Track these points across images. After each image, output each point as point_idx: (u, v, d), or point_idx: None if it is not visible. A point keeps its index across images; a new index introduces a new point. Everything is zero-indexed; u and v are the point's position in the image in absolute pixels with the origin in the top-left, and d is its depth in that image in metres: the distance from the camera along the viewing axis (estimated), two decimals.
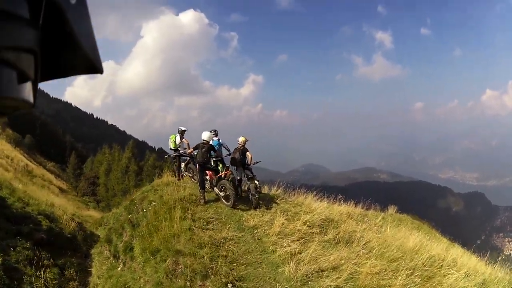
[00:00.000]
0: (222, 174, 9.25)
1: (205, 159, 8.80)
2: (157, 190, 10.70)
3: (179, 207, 7.95)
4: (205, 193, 9.13)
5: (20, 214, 9.72)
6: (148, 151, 51.93)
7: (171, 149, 11.73)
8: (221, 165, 10.58)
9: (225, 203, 8.68)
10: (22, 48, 0.42)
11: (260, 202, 9.12)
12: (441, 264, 6.98)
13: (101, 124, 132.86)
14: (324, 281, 5.78)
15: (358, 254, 6.81)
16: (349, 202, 12.00)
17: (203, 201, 8.77)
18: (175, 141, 11.54)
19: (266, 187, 11.10)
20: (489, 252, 10.64)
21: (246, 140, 9.53)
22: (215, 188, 9.00)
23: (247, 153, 9.26)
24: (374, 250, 7.04)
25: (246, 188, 9.65)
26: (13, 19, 0.40)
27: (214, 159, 10.34)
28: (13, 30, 0.40)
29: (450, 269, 6.73)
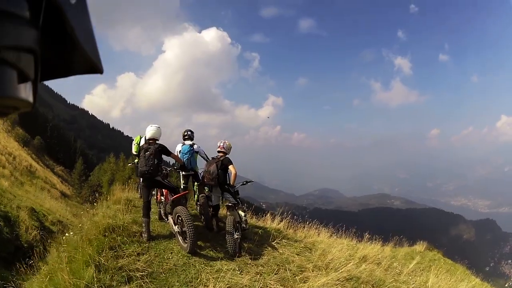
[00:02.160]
0: (176, 196, 5.96)
1: (151, 168, 5.66)
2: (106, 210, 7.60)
3: (94, 244, 5.00)
4: (151, 223, 6.31)
5: None
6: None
7: (134, 154, 8.73)
8: (195, 184, 7.72)
9: (181, 244, 5.54)
10: (22, 48, 0.42)
11: (245, 244, 6.27)
12: None
13: (117, 134, 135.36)
14: None
15: None
16: (371, 237, 10.74)
17: (145, 236, 5.71)
18: (139, 144, 8.36)
19: (268, 217, 8.94)
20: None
21: (229, 147, 6.76)
22: (169, 217, 6.02)
23: (230, 167, 6.35)
24: None
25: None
26: (13, 19, 0.40)
27: (182, 172, 7.45)
28: (13, 30, 0.40)
29: None
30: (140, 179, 7.07)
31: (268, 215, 9.13)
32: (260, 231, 7.27)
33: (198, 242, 5.81)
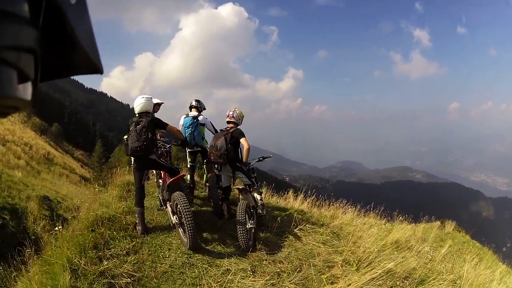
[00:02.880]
0: (172, 180, 4.90)
1: (144, 144, 4.73)
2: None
3: (76, 242, 4.26)
4: (150, 211, 5.71)
5: None
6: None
7: None
8: (204, 162, 6.65)
9: (182, 237, 4.67)
10: (22, 48, 0.41)
11: (261, 234, 5.39)
12: None
13: None
14: None
15: None
16: (398, 214, 10.42)
17: (140, 229, 4.88)
18: None
19: (290, 194, 8.16)
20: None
21: (240, 116, 5.66)
22: (168, 205, 5.03)
23: (242, 140, 5.35)
24: None
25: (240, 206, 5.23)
26: (13, 19, 0.40)
27: (188, 149, 6.46)
28: (13, 30, 0.40)
29: None
30: (131, 159, 5.84)
31: (290, 192, 8.37)
32: (280, 214, 6.24)
33: (204, 234, 5.08)
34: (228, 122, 5.68)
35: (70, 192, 16.52)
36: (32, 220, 8.70)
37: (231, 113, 5.66)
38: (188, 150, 6.48)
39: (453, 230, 14.44)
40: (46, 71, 0.47)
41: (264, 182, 8.82)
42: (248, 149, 5.35)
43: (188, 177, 6.70)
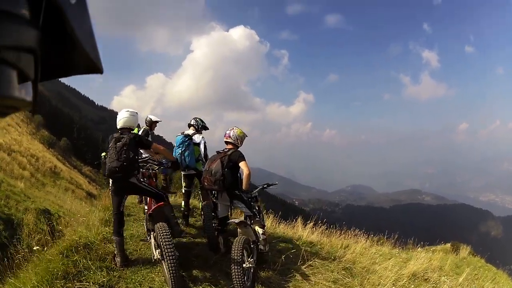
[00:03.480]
0: (155, 208, 4.42)
1: (123, 164, 4.09)
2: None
3: (44, 269, 3.80)
4: (134, 240, 5.15)
5: None
6: None
7: None
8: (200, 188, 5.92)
9: (166, 275, 3.94)
10: (22, 47, 0.42)
11: (262, 273, 4.76)
12: None
13: None
14: None
15: None
16: (408, 237, 10.03)
17: (118, 261, 4.27)
18: None
19: (299, 223, 7.58)
20: None
21: (240, 137, 4.86)
22: (152, 236, 4.39)
23: (241, 164, 4.57)
24: None
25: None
26: (13, 19, 0.40)
27: (183, 172, 5.94)
28: (13, 30, 0.40)
29: None
30: (109, 181, 5.01)
31: (299, 221, 7.72)
32: (286, 248, 5.59)
33: (194, 271, 4.42)
34: (226, 143, 4.88)
35: (74, 207, 16.43)
36: (27, 232, 8.01)
37: (228, 132, 4.88)
38: (183, 173, 5.96)
39: (468, 254, 14.01)
40: (46, 71, 0.47)
41: (270, 210, 8.39)
42: (249, 175, 4.53)
43: (183, 203, 6.17)
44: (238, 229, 4.66)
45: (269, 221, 7.61)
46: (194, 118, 6.11)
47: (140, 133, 6.68)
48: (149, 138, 6.62)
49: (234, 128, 4.89)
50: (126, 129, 4.44)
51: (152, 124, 7.24)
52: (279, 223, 8.05)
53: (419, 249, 10.23)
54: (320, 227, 7.57)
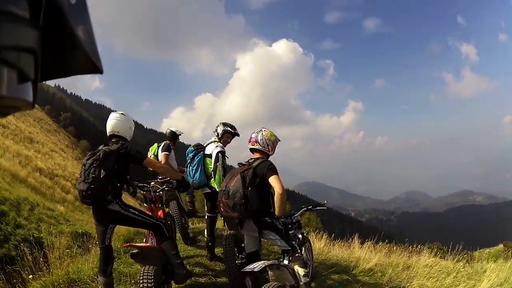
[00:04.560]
0: (143, 247, 3.51)
1: (90, 188, 3.13)
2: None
3: None
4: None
5: None
6: None
7: (150, 169, 5.34)
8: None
9: None
10: (22, 48, 0.42)
11: None
12: None
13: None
14: None
15: None
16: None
17: None
18: (156, 155, 5.95)
19: (355, 242, 6.74)
20: None
21: (270, 141, 3.60)
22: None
23: (271, 179, 3.32)
24: None
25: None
26: (13, 19, 0.40)
27: (202, 192, 4.96)
28: (13, 30, 0.40)
29: None
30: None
31: (356, 240, 6.82)
32: (339, 280, 4.68)
33: None
34: (252, 151, 3.58)
35: (118, 231, 16.48)
36: (58, 256, 8.48)
37: (255, 136, 3.56)
38: (203, 192, 4.90)
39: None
40: (46, 71, 0.47)
41: (326, 224, 7.49)
42: (282, 195, 3.24)
43: (206, 231, 4.98)
44: (269, 272, 3.31)
45: (322, 243, 6.75)
46: (222, 124, 4.93)
47: (160, 147, 5.87)
48: (170, 153, 5.72)
49: (263, 129, 3.58)
50: (116, 137, 3.51)
51: (175, 137, 6.15)
52: (334, 241, 7.33)
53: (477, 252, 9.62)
54: (379, 244, 6.93)
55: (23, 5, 0.41)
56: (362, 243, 6.82)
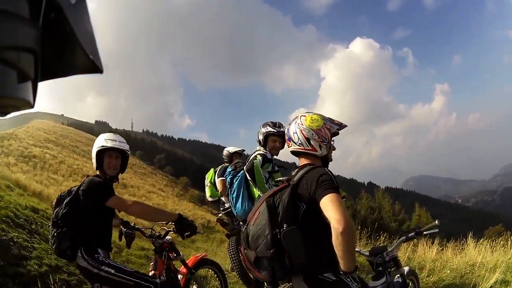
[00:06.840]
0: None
1: (54, 235, 2.48)
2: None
3: None
4: None
5: None
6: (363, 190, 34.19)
7: (211, 200, 5.04)
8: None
9: None
10: (22, 47, 0.42)
11: None
12: None
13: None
14: None
15: None
16: None
17: None
18: (213, 183, 4.85)
19: (470, 243, 5.75)
20: None
21: (319, 128, 1.93)
22: None
23: (322, 203, 1.70)
24: None
25: None
26: (13, 19, 0.40)
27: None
28: (13, 30, 0.40)
29: None
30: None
31: (470, 241, 5.74)
32: None
33: None
34: (294, 153, 2.10)
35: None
36: None
37: (287, 129, 2.13)
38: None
39: None
40: (46, 71, 0.47)
41: (437, 236, 5.86)
42: (344, 233, 1.56)
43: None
44: None
45: (433, 251, 5.67)
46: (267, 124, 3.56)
47: (216, 173, 4.71)
48: (227, 178, 3.52)
49: (300, 116, 2.09)
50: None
51: (232, 157, 4.98)
52: (446, 244, 6.35)
53: None
54: (496, 240, 5.80)
55: (23, 5, 0.41)
56: (475, 235, 6.01)
